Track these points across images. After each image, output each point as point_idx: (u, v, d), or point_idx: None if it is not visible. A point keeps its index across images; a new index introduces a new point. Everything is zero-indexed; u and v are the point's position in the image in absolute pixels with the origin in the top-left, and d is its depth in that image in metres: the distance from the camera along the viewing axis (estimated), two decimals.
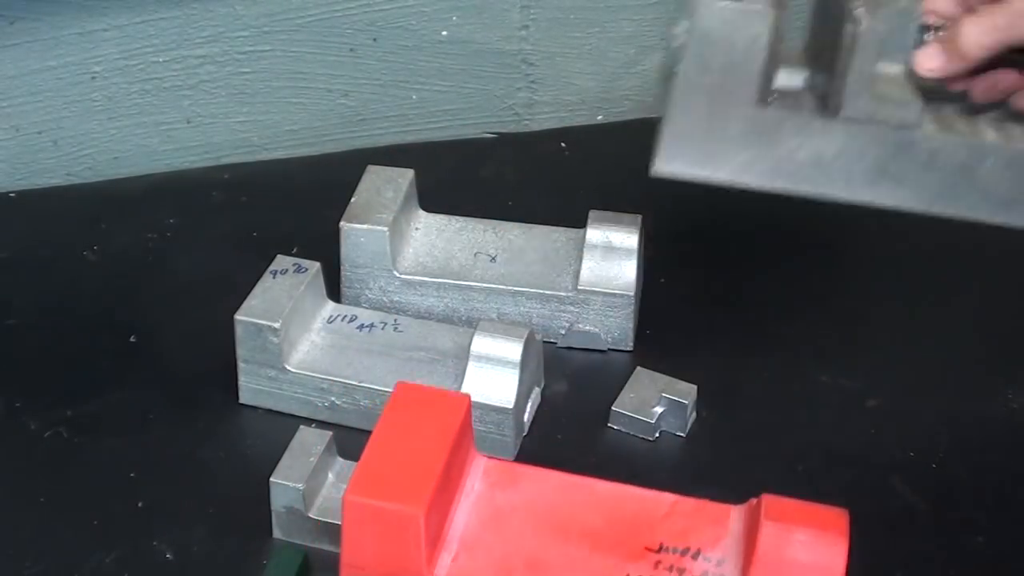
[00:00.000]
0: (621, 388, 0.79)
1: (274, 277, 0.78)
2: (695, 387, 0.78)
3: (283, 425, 0.75)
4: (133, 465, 0.75)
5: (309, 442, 0.70)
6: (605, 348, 0.84)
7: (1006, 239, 0.86)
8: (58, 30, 0.93)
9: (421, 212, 0.88)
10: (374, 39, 1.01)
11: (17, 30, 0.93)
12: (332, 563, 0.70)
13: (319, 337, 0.79)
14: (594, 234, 0.82)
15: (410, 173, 0.86)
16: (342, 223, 0.82)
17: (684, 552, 0.55)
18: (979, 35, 0.62)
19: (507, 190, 0.98)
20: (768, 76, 0.66)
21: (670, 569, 0.55)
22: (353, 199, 0.84)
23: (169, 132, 1.01)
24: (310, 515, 0.69)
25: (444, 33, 1.02)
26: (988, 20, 0.62)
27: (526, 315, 0.83)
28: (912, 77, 0.65)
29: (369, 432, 0.59)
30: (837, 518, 0.55)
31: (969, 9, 0.65)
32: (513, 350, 0.74)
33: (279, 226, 0.93)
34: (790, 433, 0.80)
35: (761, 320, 0.87)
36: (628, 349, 0.84)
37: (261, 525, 0.71)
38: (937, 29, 0.66)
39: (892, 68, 0.66)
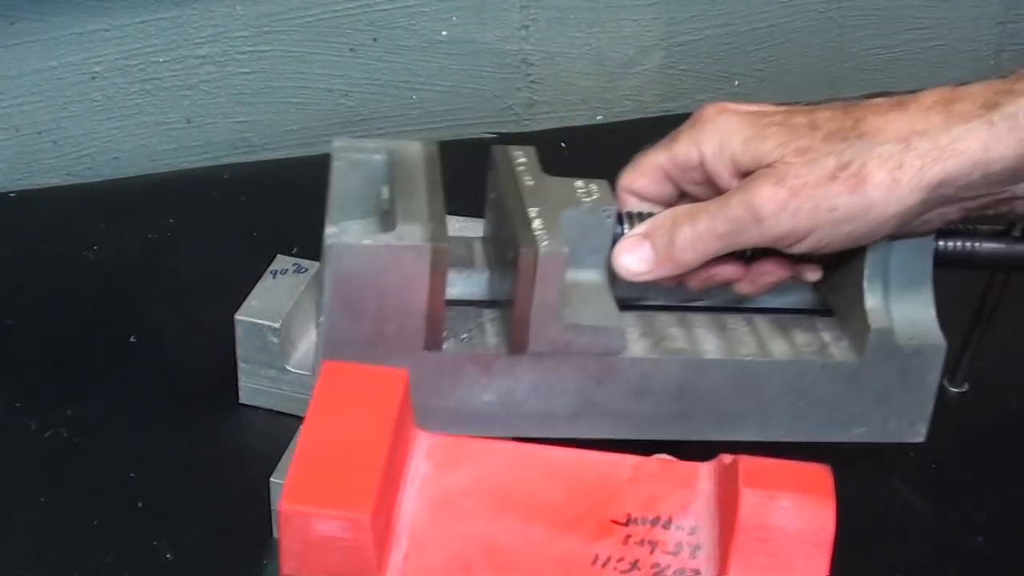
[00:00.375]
0: None
1: (274, 277, 0.78)
2: None
3: (283, 425, 0.75)
4: (133, 465, 0.75)
5: None
6: None
7: None
8: (58, 30, 0.93)
9: None
10: (374, 39, 1.01)
11: (17, 30, 0.93)
12: None
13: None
14: None
15: None
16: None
17: (654, 522, 0.51)
18: (697, 242, 0.57)
19: None
20: (437, 313, 0.56)
21: (641, 543, 0.50)
22: None
23: (169, 132, 1.01)
24: None
25: (444, 33, 1.02)
26: (707, 226, 0.57)
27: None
28: (611, 283, 0.59)
29: None
30: (821, 478, 0.51)
31: (676, 193, 0.61)
32: None
33: (279, 226, 0.93)
34: None
35: None
36: None
37: (261, 525, 0.71)
38: (639, 216, 0.60)
39: (587, 275, 0.59)
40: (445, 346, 0.58)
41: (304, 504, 0.47)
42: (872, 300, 0.60)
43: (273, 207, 0.97)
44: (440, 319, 0.56)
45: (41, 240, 0.94)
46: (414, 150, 0.61)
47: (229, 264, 0.87)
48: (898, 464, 0.77)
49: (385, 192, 0.58)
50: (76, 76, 0.96)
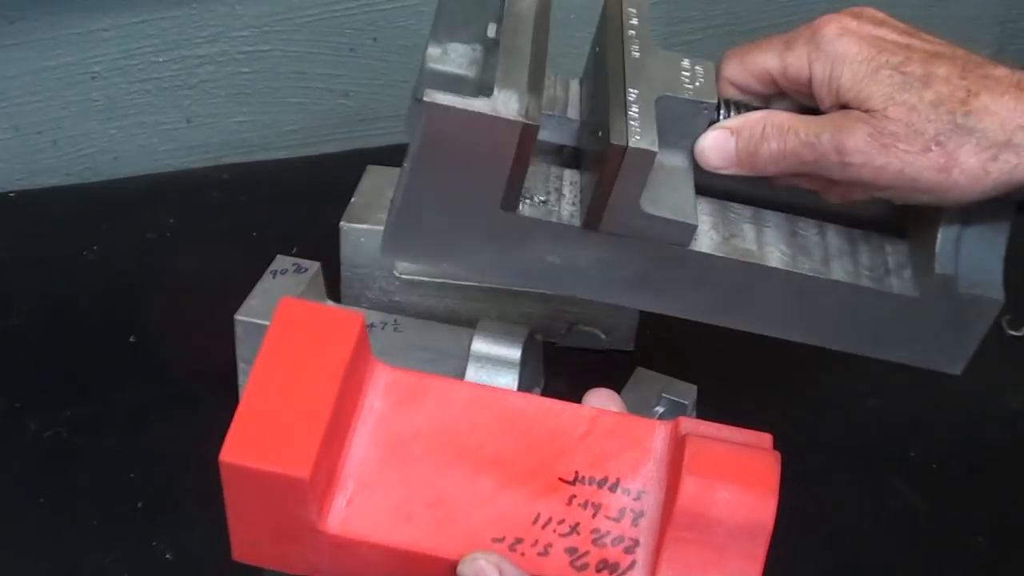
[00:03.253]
0: (621, 388, 0.78)
1: (274, 277, 0.78)
2: (695, 387, 0.78)
3: None
4: (133, 465, 0.75)
5: None
6: (605, 348, 0.83)
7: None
8: (58, 30, 0.93)
9: None
10: (374, 39, 1.01)
11: (17, 30, 0.93)
12: None
13: None
14: None
15: None
16: (342, 223, 0.82)
17: (601, 483, 0.50)
18: (780, 159, 0.58)
19: None
20: (517, 179, 0.57)
21: (584, 505, 0.49)
22: (353, 199, 0.84)
23: (169, 132, 1.01)
24: None
25: None
26: (793, 148, 0.57)
27: (526, 315, 0.83)
28: (694, 170, 0.60)
29: None
30: (767, 468, 0.50)
31: (777, 93, 0.61)
32: (513, 350, 0.74)
33: (279, 226, 0.93)
34: (790, 433, 0.80)
35: None
36: (628, 349, 0.84)
37: None
38: (735, 106, 0.61)
39: (673, 159, 0.60)
40: (521, 208, 0.59)
41: (244, 459, 0.47)
42: (944, 242, 0.61)
43: (273, 207, 0.97)
44: (519, 184, 0.57)
45: (41, 240, 0.94)
46: None
47: (229, 264, 0.87)
48: (898, 464, 0.77)
49: (492, 31, 0.59)
50: (76, 76, 0.96)
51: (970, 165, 0.55)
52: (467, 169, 0.57)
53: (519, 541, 0.48)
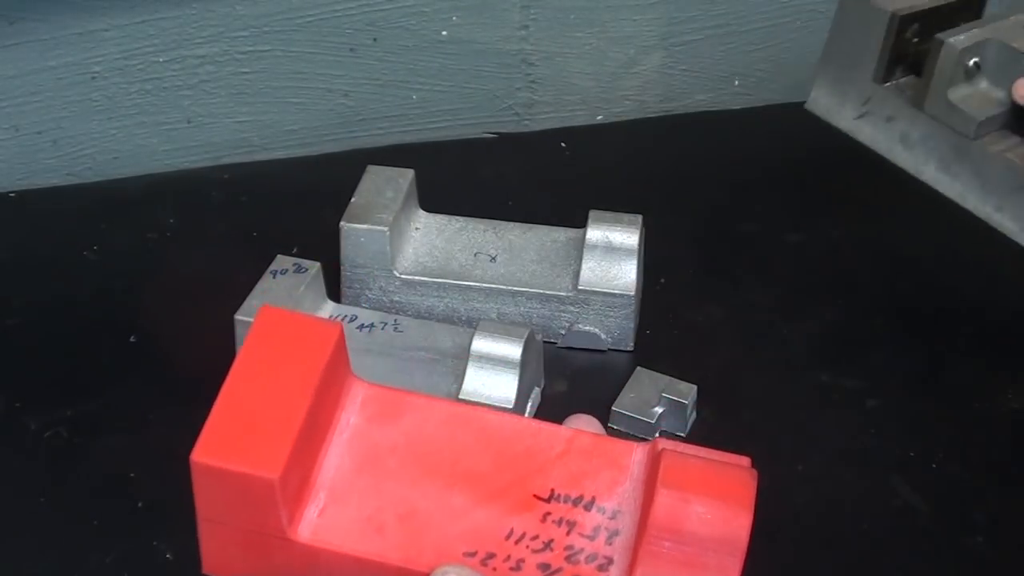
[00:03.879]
0: (621, 388, 0.79)
1: (274, 277, 0.78)
2: (695, 387, 0.78)
3: None
4: (133, 465, 0.75)
5: None
6: (605, 348, 0.84)
7: (1006, 240, 0.86)
8: (58, 30, 0.93)
9: (421, 212, 0.88)
10: (374, 39, 1.01)
11: (17, 30, 0.93)
12: None
13: None
14: (594, 234, 0.82)
15: (410, 173, 0.86)
16: (342, 223, 0.82)
17: (576, 502, 0.49)
18: None
19: (507, 190, 0.98)
20: (890, 60, 0.84)
21: (559, 523, 0.49)
22: (353, 199, 0.84)
23: (169, 132, 1.01)
24: None
25: (444, 33, 1.02)
26: None
27: (526, 315, 0.83)
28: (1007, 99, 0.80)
29: None
30: (743, 483, 0.49)
31: None
32: (513, 350, 0.74)
33: (279, 226, 0.93)
34: (790, 433, 0.80)
35: (761, 320, 0.87)
36: (628, 349, 0.84)
37: None
38: None
39: (993, 91, 0.82)
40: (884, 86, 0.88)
41: (215, 459, 0.47)
42: None
43: (273, 207, 0.97)
44: (893, 64, 0.88)
45: (41, 240, 0.94)
46: None
47: (229, 264, 0.87)
48: (898, 464, 0.77)
49: None
50: (76, 76, 0.96)
51: None
52: (860, 42, 0.84)
53: (491, 556, 0.48)
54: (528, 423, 0.52)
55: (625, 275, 0.82)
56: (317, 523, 0.49)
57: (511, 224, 0.87)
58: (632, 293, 0.82)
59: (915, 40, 0.85)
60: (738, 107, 1.12)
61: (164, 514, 0.72)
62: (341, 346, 0.51)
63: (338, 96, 1.03)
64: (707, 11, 1.07)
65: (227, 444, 0.47)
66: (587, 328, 0.83)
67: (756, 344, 0.86)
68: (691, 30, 1.08)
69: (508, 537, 0.49)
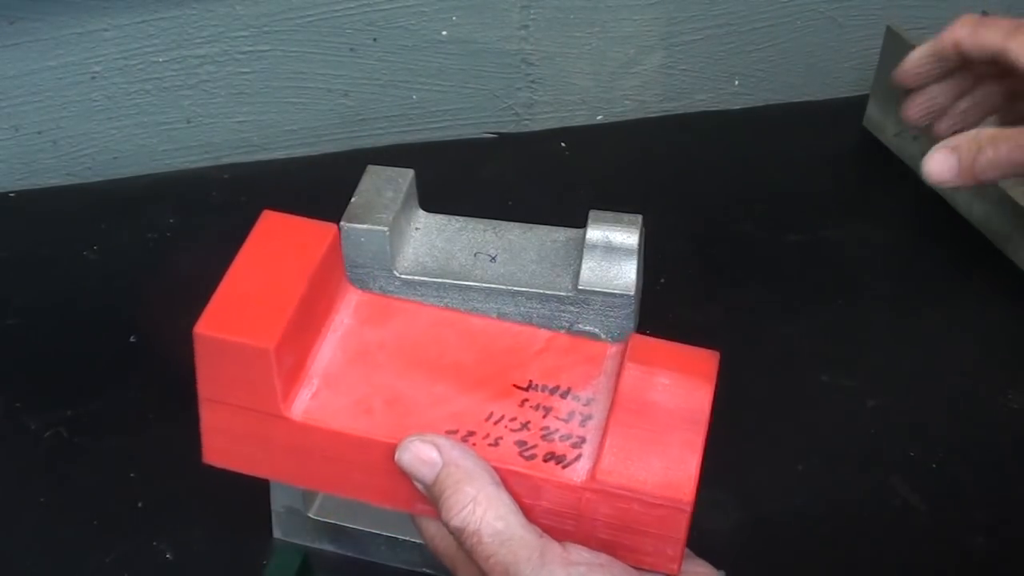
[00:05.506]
0: None
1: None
2: None
3: None
4: (133, 465, 0.75)
5: None
6: None
7: (1004, 240, 0.85)
8: (58, 30, 0.93)
9: (421, 212, 0.88)
10: (374, 39, 1.01)
11: (17, 30, 0.93)
12: (332, 563, 0.70)
13: None
14: (594, 234, 0.82)
15: (410, 173, 0.86)
16: (342, 223, 0.82)
17: (553, 390, 0.53)
18: (996, 166, 0.63)
19: (507, 190, 0.98)
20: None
21: (536, 407, 0.52)
22: (353, 199, 0.84)
23: (169, 132, 1.01)
24: (310, 515, 0.69)
25: (444, 33, 1.02)
26: (1006, 154, 0.62)
27: (526, 315, 0.83)
28: None
29: None
30: (706, 361, 0.53)
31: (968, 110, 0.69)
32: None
33: None
34: (790, 433, 0.80)
35: (761, 320, 0.88)
36: None
37: (261, 525, 0.71)
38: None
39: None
40: None
41: (216, 331, 0.51)
42: None
43: (273, 207, 0.96)
44: None
45: (41, 240, 0.94)
46: None
47: (229, 264, 0.87)
48: (898, 464, 0.77)
49: None
50: (76, 76, 0.96)
51: None
52: None
53: (471, 434, 0.51)
54: (510, 326, 0.57)
55: (625, 275, 0.82)
56: (310, 404, 0.52)
57: (511, 224, 0.87)
58: (632, 293, 0.82)
59: None
60: (738, 107, 1.12)
61: (164, 514, 0.72)
62: (336, 247, 0.56)
63: (338, 96, 1.03)
64: (707, 11, 1.07)
65: (228, 320, 0.52)
66: (587, 328, 0.83)
67: (756, 344, 0.86)
68: (691, 30, 1.08)
69: (488, 419, 0.52)
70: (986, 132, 0.65)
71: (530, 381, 0.54)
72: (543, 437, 0.52)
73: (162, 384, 0.81)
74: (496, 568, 0.47)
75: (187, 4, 0.95)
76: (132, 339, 0.84)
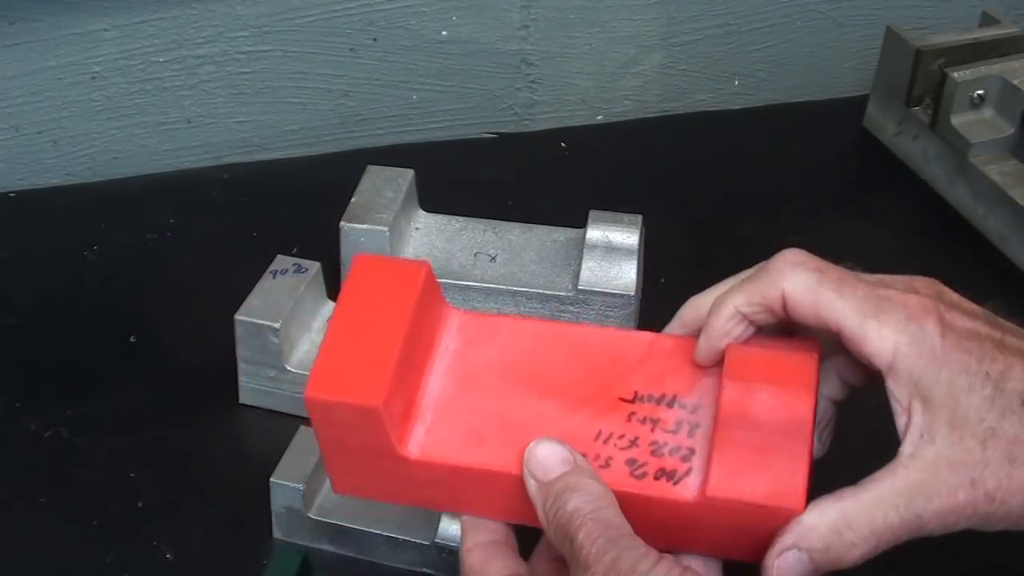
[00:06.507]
0: None
1: (274, 277, 0.78)
2: None
3: (283, 425, 0.75)
4: (133, 465, 0.75)
5: (309, 442, 0.70)
6: None
7: (1002, 241, 0.85)
8: (58, 30, 0.93)
9: (421, 212, 0.88)
10: (374, 39, 1.01)
11: (17, 30, 0.93)
12: (332, 563, 0.70)
13: (319, 337, 0.79)
14: (594, 234, 0.82)
15: (410, 173, 0.86)
16: (342, 223, 0.82)
17: (659, 400, 0.54)
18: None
19: (507, 190, 0.98)
20: (917, 88, 0.95)
21: (643, 421, 0.53)
22: (353, 199, 0.84)
23: (169, 132, 1.01)
24: (310, 515, 0.69)
25: (444, 33, 1.02)
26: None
27: (526, 315, 0.83)
28: None
29: None
30: (804, 368, 0.53)
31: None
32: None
33: (279, 226, 0.93)
34: None
35: None
36: None
37: (261, 525, 0.71)
38: None
39: (997, 120, 0.91)
40: None
41: (325, 393, 0.52)
42: None
43: (273, 207, 0.97)
44: None
45: (41, 240, 0.94)
46: None
47: (229, 264, 0.87)
48: None
49: None
50: (76, 76, 0.96)
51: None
52: None
53: (582, 456, 0.52)
54: (611, 332, 0.57)
55: (625, 275, 0.82)
56: (424, 441, 0.53)
57: (511, 224, 0.87)
58: (632, 293, 0.82)
59: (940, 72, 0.95)
60: (738, 107, 1.12)
61: (164, 514, 0.72)
62: (431, 280, 0.56)
63: (338, 96, 1.03)
64: (707, 11, 1.07)
65: (335, 379, 0.52)
66: None
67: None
68: (691, 30, 1.08)
69: (597, 438, 0.53)
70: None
71: (635, 392, 0.54)
72: (652, 453, 0.52)
73: (162, 384, 0.81)
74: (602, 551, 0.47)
75: (187, 4, 0.95)
76: (132, 339, 0.84)
